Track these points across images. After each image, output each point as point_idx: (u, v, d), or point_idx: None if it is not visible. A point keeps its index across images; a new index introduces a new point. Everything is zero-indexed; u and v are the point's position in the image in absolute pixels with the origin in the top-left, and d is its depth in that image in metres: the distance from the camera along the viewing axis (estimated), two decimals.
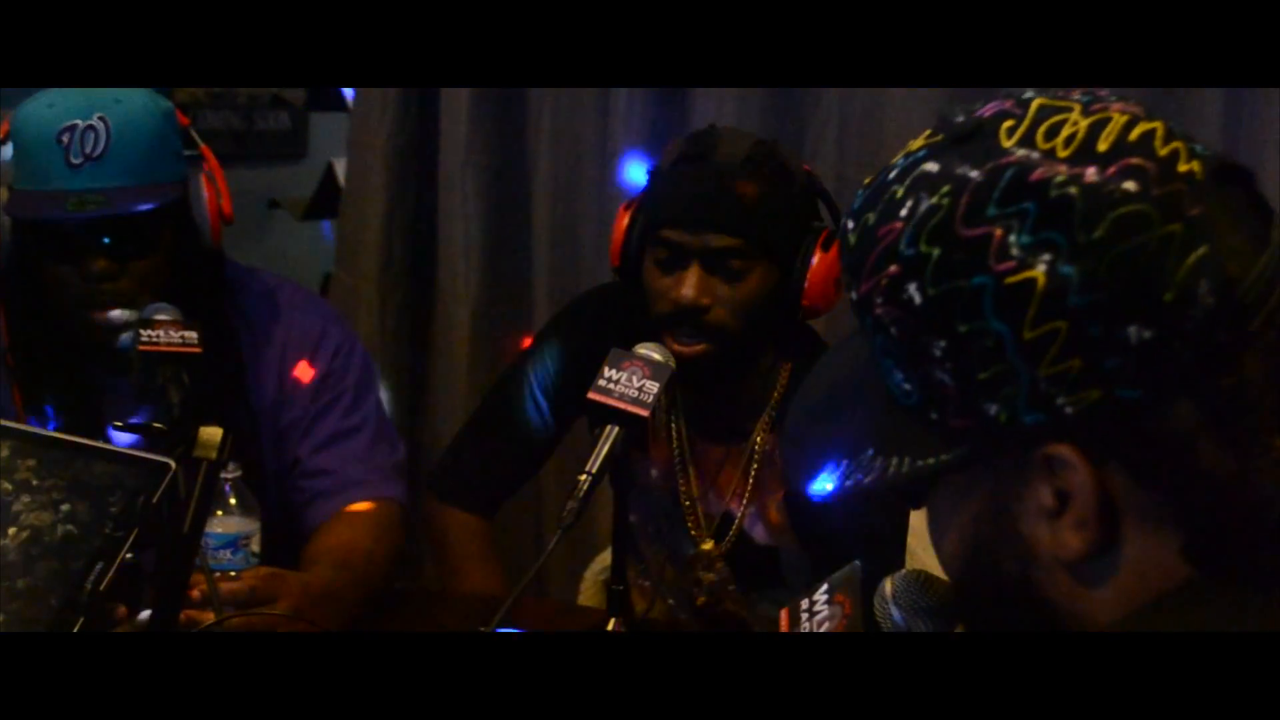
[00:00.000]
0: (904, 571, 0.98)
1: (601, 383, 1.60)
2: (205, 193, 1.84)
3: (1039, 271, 0.70)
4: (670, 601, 2.07)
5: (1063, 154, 0.72)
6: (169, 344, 1.62)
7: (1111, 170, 0.71)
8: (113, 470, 1.29)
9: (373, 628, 1.73)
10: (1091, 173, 0.71)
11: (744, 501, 1.92)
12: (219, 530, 1.65)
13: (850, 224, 0.79)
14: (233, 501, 1.67)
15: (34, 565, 1.24)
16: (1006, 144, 0.73)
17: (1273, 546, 0.73)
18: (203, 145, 1.87)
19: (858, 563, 1.05)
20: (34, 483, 1.29)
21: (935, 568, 0.98)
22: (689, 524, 1.95)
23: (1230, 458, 0.71)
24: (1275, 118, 2.17)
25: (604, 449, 1.57)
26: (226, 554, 1.66)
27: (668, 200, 1.79)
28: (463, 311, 2.74)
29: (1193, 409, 0.71)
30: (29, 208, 1.76)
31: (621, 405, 1.59)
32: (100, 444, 1.36)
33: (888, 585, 0.98)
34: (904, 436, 0.77)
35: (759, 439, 1.90)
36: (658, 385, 1.60)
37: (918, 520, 1.55)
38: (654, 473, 1.97)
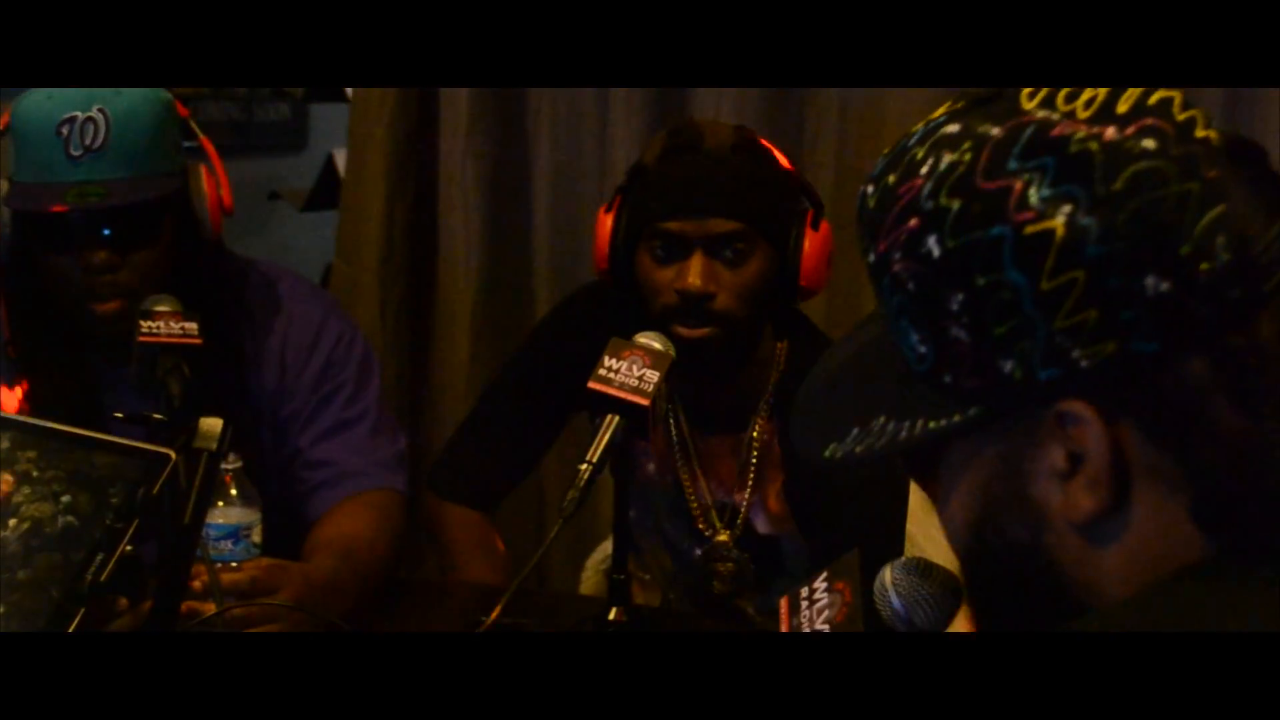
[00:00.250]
0: (903, 559, 0.99)
1: (601, 372, 1.60)
2: (205, 184, 1.84)
3: (1058, 222, 0.71)
4: (671, 596, 2.07)
5: (1083, 115, 0.73)
6: (169, 335, 1.63)
7: (1130, 130, 0.72)
8: (113, 461, 1.30)
9: (374, 618, 1.73)
10: (1111, 131, 0.72)
11: (746, 491, 1.92)
12: (220, 521, 1.65)
13: (870, 188, 0.80)
14: (233, 492, 1.67)
15: (34, 557, 1.24)
16: (1027, 106, 0.75)
17: None
18: (202, 136, 1.87)
19: (857, 550, 1.06)
20: (34, 474, 1.29)
21: (935, 556, 0.99)
22: (696, 516, 1.95)
23: (1242, 417, 0.72)
24: (1275, 117, 2.17)
25: (604, 438, 1.58)
26: (227, 545, 1.66)
27: (663, 192, 1.78)
28: (463, 302, 2.74)
29: (1206, 366, 0.72)
30: (29, 200, 1.76)
31: (622, 394, 1.59)
32: (100, 435, 1.36)
33: (887, 573, 0.99)
34: (916, 402, 0.78)
35: (757, 428, 1.90)
36: (658, 374, 1.60)
37: (917, 507, 1.55)
38: (650, 466, 1.96)
